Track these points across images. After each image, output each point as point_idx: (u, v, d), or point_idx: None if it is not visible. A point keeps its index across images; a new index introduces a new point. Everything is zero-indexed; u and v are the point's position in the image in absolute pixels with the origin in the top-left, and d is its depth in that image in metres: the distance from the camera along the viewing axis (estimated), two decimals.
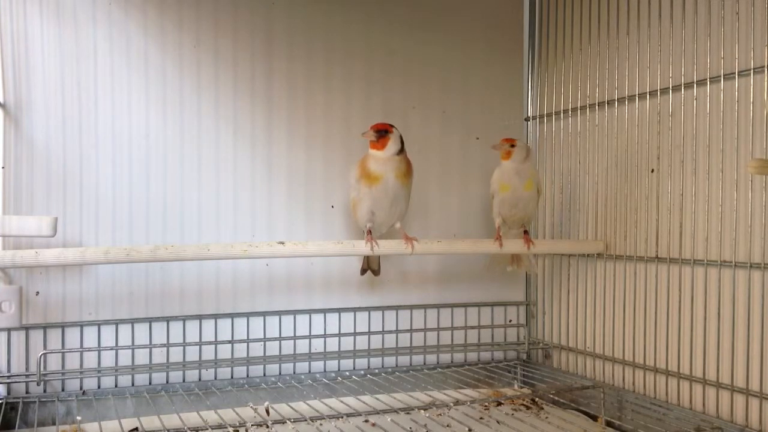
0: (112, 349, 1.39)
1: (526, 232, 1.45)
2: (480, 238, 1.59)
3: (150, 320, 1.42)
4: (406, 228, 1.40)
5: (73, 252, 1.18)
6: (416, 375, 1.57)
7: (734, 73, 1.20)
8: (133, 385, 1.41)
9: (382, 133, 1.32)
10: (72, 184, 1.37)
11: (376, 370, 1.56)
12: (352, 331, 1.57)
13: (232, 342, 1.47)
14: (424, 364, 1.63)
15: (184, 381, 1.44)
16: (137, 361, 1.41)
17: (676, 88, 1.32)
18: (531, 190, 1.41)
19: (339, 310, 1.56)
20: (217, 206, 1.47)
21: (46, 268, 1.34)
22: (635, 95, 1.41)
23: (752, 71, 1.17)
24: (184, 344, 1.43)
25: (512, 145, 1.42)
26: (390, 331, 1.60)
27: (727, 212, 1.22)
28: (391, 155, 1.32)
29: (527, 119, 1.73)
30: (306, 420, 1.22)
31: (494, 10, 1.71)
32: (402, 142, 1.34)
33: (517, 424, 1.30)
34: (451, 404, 1.32)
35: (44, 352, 1.32)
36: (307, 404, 1.33)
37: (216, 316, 1.46)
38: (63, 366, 1.36)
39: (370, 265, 1.49)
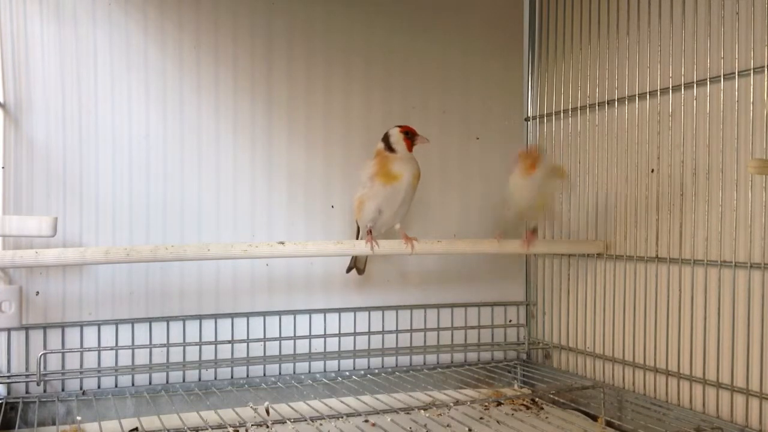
0: (112, 349, 1.39)
1: (534, 231, 1.43)
2: (480, 238, 1.59)
3: (150, 320, 1.42)
4: (406, 228, 1.40)
5: (73, 252, 1.18)
6: (416, 375, 1.56)
7: (734, 73, 1.20)
8: (133, 385, 1.41)
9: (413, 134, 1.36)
10: (72, 184, 1.37)
11: (376, 370, 1.56)
12: (352, 331, 1.57)
13: (232, 342, 1.47)
14: (424, 364, 1.63)
15: (184, 381, 1.44)
16: (137, 361, 1.41)
17: (676, 88, 1.32)
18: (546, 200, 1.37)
19: (339, 310, 1.56)
20: (217, 206, 1.47)
21: (46, 268, 1.34)
22: (635, 95, 1.41)
23: (752, 71, 1.17)
24: (184, 344, 1.43)
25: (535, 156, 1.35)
26: (390, 331, 1.60)
27: (727, 212, 1.22)
28: (412, 156, 1.35)
29: (527, 119, 1.73)
30: (306, 420, 1.22)
31: (494, 10, 1.71)
32: None
33: (517, 424, 1.30)
34: (451, 404, 1.32)
35: (44, 352, 1.32)
36: (307, 404, 1.33)
37: (216, 316, 1.46)
38: (63, 366, 1.36)
39: (356, 264, 1.49)
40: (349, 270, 1.50)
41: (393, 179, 1.32)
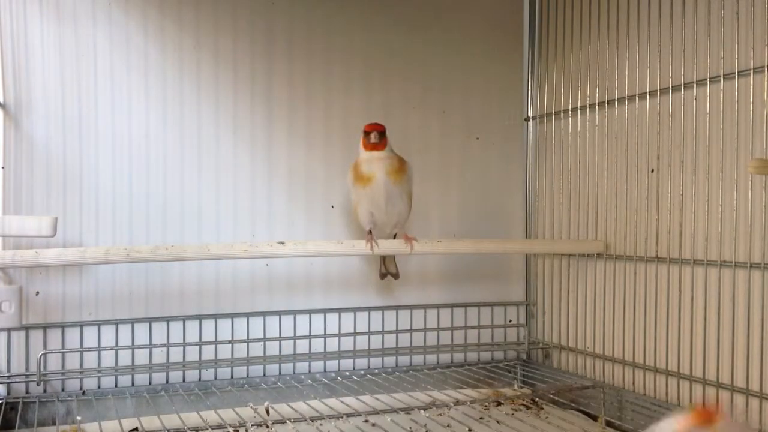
0: (112, 349, 1.39)
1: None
2: (480, 238, 1.59)
3: (150, 320, 1.42)
4: (407, 228, 1.40)
5: (73, 252, 1.18)
6: (416, 375, 1.56)
7: (734, 73, 1.20)
8: (133, 385, 1.41)
9: (382, 134, 1.34)
10: (72, 184, 1.37)
11: (376, 370, 1.56)
12: (352, 331, 1.57)
13: (232, 342, 1.47)
14: (424, 364, 1.63)
15: (184, 381, 1.44)
16: (137, 361, 1.41)
17: (676, 88, 1.31)
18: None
19: (339, 310, 1.56)
20: (217, 206, 1.47)
21: (46, 268, 1.34)
22: (635, 95, 1.41)
23: (752, 71, 1.17)
24: (184, 344, 1.43)
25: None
26: (390, 331, 1.60)
27: (727, 212, 1.22)
28: (385, 154, 1.33)
29: (527, 119, 1.73)
30: (306, 420, 1.22)
31: (494, 10, 1.71)
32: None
33: (517, 424, 1.30)
34: (451, 404, 1.32)
35: (44, 352, 1.32)
36: (307, 404, 1.33)
37: (216, 316, 1.46)
38: (63, 366, 1.36)
39: (389, 269, 1.50)
40: (383, 276, 1.51)
41: (368, 181, 1.32)
